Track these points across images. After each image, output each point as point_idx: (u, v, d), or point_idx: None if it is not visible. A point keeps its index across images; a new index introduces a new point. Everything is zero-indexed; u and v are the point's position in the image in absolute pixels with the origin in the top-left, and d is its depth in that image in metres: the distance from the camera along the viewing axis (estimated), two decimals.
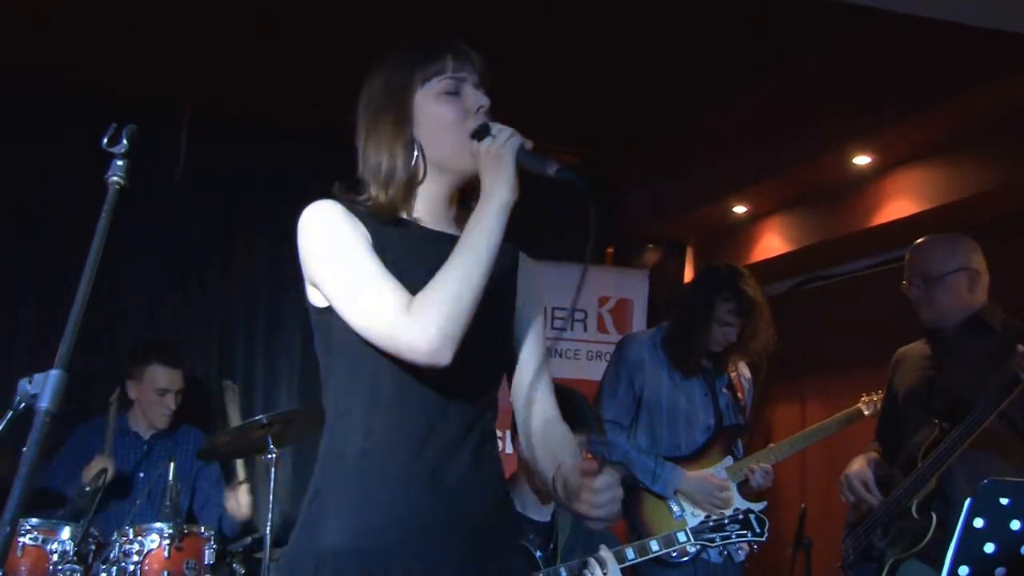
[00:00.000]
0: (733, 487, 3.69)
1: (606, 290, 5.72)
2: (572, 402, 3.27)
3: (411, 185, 1.78)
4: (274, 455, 3.68)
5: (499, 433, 1.93)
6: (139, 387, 4.14)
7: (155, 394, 4.11)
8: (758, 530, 3.20)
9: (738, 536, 3.20)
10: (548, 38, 4.35)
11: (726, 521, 3.21)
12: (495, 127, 1.71)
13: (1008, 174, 4.05)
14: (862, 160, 4.47)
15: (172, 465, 3.54)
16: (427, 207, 1.81)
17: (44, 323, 4.70)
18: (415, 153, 1.76)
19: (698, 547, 3.32)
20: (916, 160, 4.39)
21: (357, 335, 1.66)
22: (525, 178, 1.70)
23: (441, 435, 1.71)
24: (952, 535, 2.91)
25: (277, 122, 5.21)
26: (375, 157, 1.77)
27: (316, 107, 5.04)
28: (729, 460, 3.74)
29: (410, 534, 1.66)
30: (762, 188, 4.96)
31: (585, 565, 2.98)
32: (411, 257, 1.72)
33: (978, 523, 1.94)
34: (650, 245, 6.01)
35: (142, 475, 4.01)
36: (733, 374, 3.85)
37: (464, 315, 1.61)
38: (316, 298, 1.76)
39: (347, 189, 1.80)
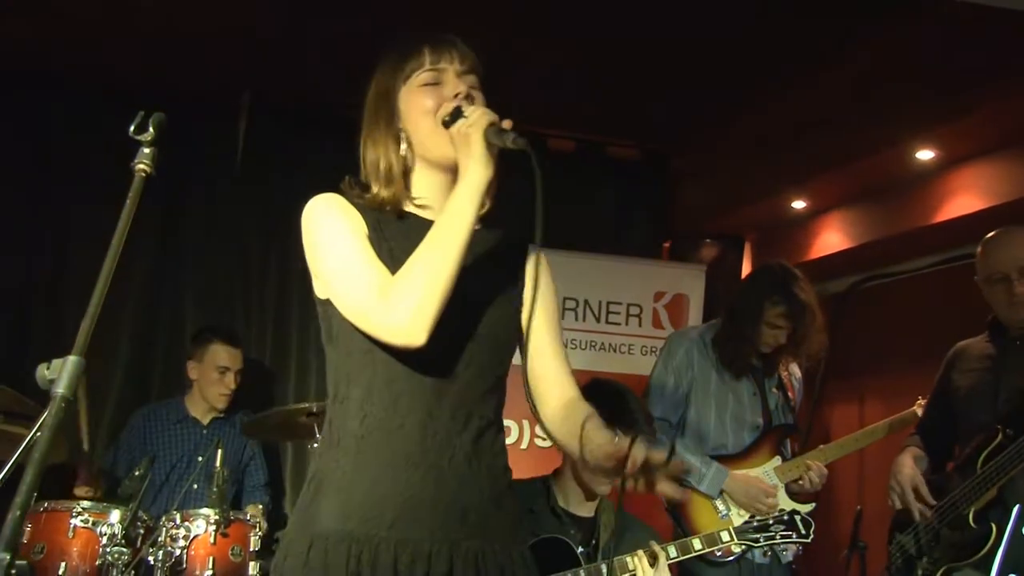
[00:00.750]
0: (781, 488, 3.62)
1: (662, 285, 5.64)
2: (623, 398, 3.25)
3: (406, 176, 1.83)
4: (317, 444, 3.70)
5: (508, 423, 1.91)
6: (200, 367, 4.24)
7: (216, 372, 4.19)
8: (803, 531, 3.15)
9: (782, 537, 3.15)
10: (607, 32, 4.30)
11: (771, 522, 3.16)
12: (468, 109, 1.73)
13: None
14: (925, 155, 4.35)
15: (220, 451, 3.57)
16: (427, 199, 1.84)
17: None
18: (403, 145, 1.81)
19: (743, 547, 3.27)
20: (981, 155, 4.27)
21: (353, 325, 1.70)
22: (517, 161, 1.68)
23: (437, 423, 1.72)
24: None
25: (337, 111, 5.21)
26: (372, 156, 1.82)
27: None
28: (778, 460, 3.67)
29: (400, 517, 1.67)
30: (822, 183, 4.86)
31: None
32: (410, 247, 1.71)
33: None
34: (707, 240, 5.93)
35: (200, 460, 4.06)
36: (784, 373, 3.78)
37: (437, 294, 1.63)
38: (319, 290, 1.80)
39: (355, 184, 1.84)
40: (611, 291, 5.50)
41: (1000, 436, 2.99)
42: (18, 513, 1.24)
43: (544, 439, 4.63)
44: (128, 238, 4.81)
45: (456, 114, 1.73)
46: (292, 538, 1.72)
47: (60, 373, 1.36)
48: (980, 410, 3.14)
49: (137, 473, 3.43)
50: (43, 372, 1.38)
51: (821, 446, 3.84)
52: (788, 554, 3.58)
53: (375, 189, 1.81)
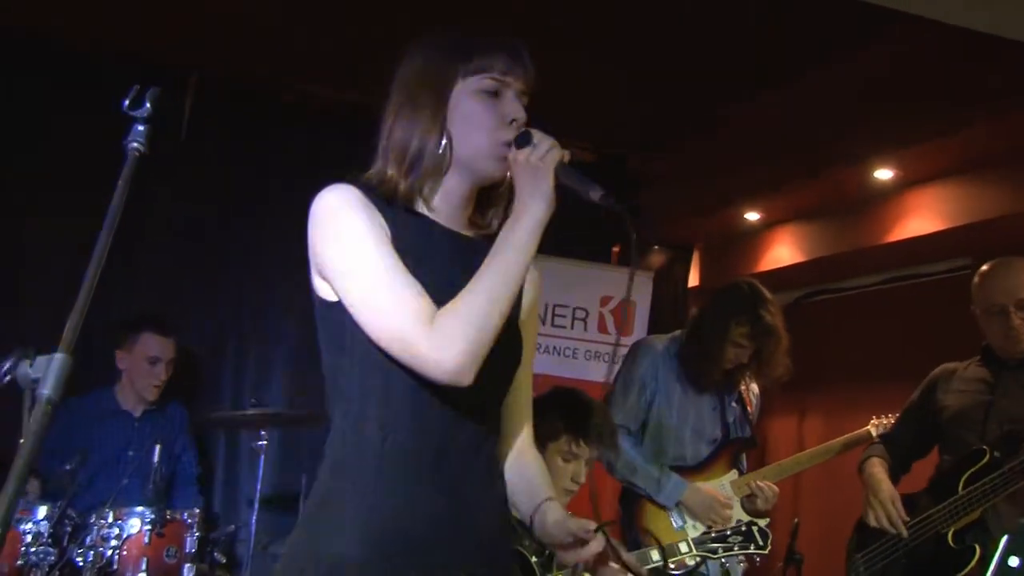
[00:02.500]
0: (736, 502, 3.61)
1: (609, 290, 5.59)
2: (588, 409, 3.18)
3: (436, 175, 1.67)
4: (264, 443, 3.57)
5: None
6: (129, 357, 4.01)
7: (146, 363, 3.97)
8: (760, 543, 3.12)
9: (741, 548, 3.14)
10: (570, 35, 4.23)
11: (728, 533, 3.15)
12: (536, 135, 1.62)
13: None
14: (884, 174, 4.36)
15: (157, 447, 3.38)
16: (444, 203, 1.70)
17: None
18: (444, 143, 1.65)
19: (697, 560, 3.23)
20: (939, 177, 4.29)
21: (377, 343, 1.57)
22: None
23: (458, 447, 1.63)
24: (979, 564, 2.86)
25: (286, 97, 5.05)
26: (404, 137, 1.66)
27: (328, 84, 4.92)
28: (734, 474, 3.66)
29: (424, 545, 1.58)
30: (778, 197, 4.85)
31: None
32: (426, 254, 1.63)
33: (1014, 562, 1.88)
34: (656, 247, 5.89)
35: (131, 454, 3.87)
36: (743, 388, 3.76)
37: (491, 335, 1.53)
38: (324, 291, 1.64)
39: (361, 173, 1.69)
40: (558, 294, 5.44)
41: (987, 458, 3.00)
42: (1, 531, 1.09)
43: None
44: (66, 217, 4.50)
45: (525, 139, 1.62)
46: (302, 564, 1.59)
47: (45, 372, 1.21)
48: (969, 431, 3.13)
49: (68, 468, 3.22)
50: (26, 370, 1.22)
51: (778, 462, 3.84)
52: (740, 568, 3.57)
53: (391, 174, 1.65)
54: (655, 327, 5.63)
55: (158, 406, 4.09)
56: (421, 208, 1.69)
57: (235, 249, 4.91)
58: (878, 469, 3.34)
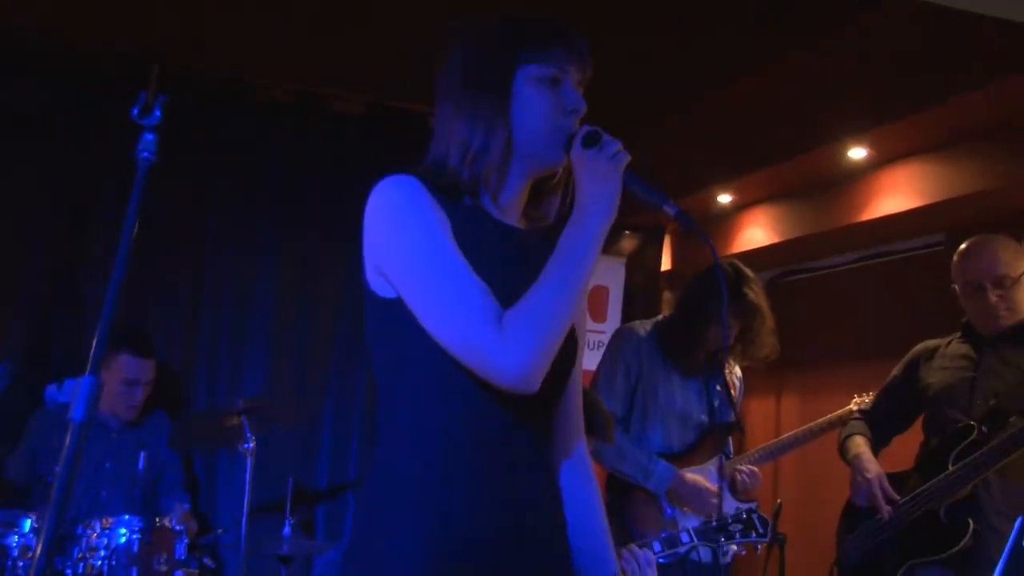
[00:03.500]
0: (724, 487, 3.61)
1: (600, 279, 5.62)
2: (585, 403, 3.18)
3: (503, 166, 1.62)
4: (251, 445, 3.52)
5: None
6: (107, 374, 3.82)
7: (122, 385, 3.82)
8: (761, 530, 3.12)
9: (742, 536, 3.14)
10: (542, 10, 4.19)
11: (729, 522, 3.14)
12: (606, 136, 1.59)
13: (1005, 174, 4.01)
14: (857, 153, 4.38)
15: (143, 455, 3.32)
16: (501, 197, 1.66)
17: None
18: (506, 134, 1.60)
19: (687, 548, 3.23)
20: (912, 155, 4.32)
21: (441, 347, 1.51)
22: None
23: (518, 456, 1.58)
24: (987, 545, 2.89)
25: (253, 92, 4.95)
26: (466, 128, 1.60)
27: (296, 78, 4.83)
28: (720, 459, 3.65)
29: (489, 562, 1.52)
30: (751, 178, 4.86)
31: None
32: (484, 249, 1.56)
33: None
34: (627, 232, 5.89)
35: (108, 465, 3.78)
36: (727, 371, 3.76)
37: (559, 339, 1.50)
38: (382, 288, 1.57)
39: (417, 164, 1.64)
40: None
41: (975, 433, 3.03)
42: (43, 550, 1.06)
43: None
44: (24, 218, 4.40)
45: (595, 137, 1.59)
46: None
47: (75, 396, 1.17)
48: (955, 408, 3.15)
49: (51, 479, 3.15)
50: (54, 392, 1.19)
51: (762, 445, 3.88)
52: (728, 555, 3.57)
53: (453, 165, 1.60)
54: (628, 312, 5.66)
55: (135, 419, 4.00)
56: (481, 201, 1.65)
57: (207, 253, 4.83)
58: (863, 449, 3.37)
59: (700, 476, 3.57)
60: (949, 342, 3.32)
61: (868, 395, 3.90)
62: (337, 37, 4.31)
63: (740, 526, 3.12)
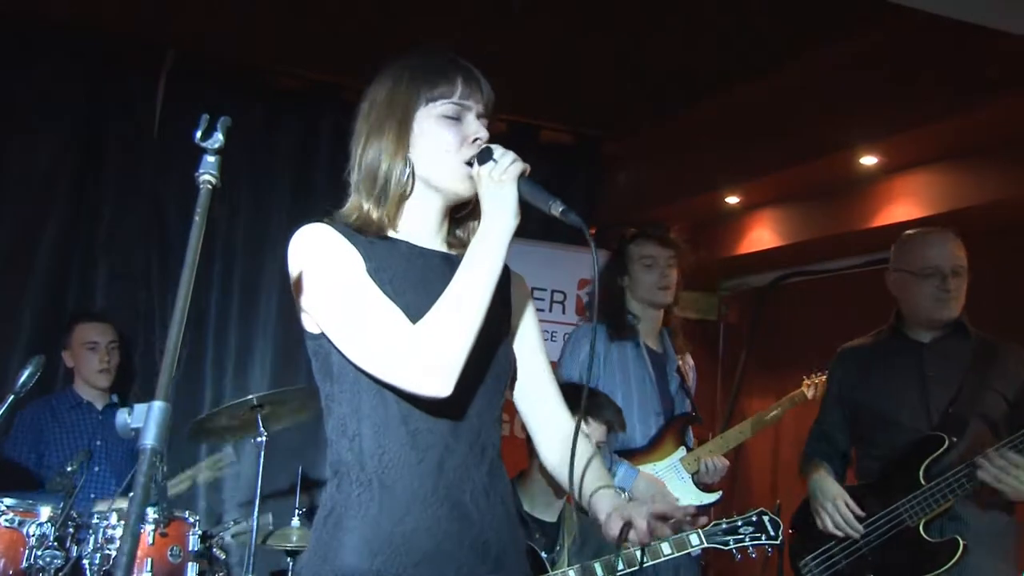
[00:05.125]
0: (689, 480, 3.60)
1: (587, 272, 5.62)
2: (594, 401, 3.20)
3: (400, 201, 1.76)
4: (264, 438, 3.55)
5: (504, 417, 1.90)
6: (71, 352, 4.14)
7: (86, 350, 4.08)
8: (772, 533, 3.01)
9: (752, 539, 3.08)
10: (553, 13, 4.21)
11: (740, 523, 3.11)
12: (497, 151, 1.69)
13: (1016, 186, 4.03)
14: (869, 160, 4.40)
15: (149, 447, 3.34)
16: (417, 225, 1.79)
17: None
18: (407, 170, 1.74)
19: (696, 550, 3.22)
20: (924, 165, 4.34)
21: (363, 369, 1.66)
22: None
23: (455, 456, 1.70)
24: (971, 559, 2.90)
25: (265, 76, 4.95)
26: (371, 165, 1.75)
27: (308, 63, 4.82)
28: (682, 451, 3.64)
29: (427, 555, 1.65)
30: (761, 181, 4.88)
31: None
32: (405, 275, 1.72)
33: None
34: (632, 229, 5.89)
35: (99, 443, 3.97)
36: (679, 361, 3.76)
37: (467, 347, 1.61)
38: (310, 324, 1.73)
39: (333, 208, 1.79)
40: (536, 277, 5.43)
41: (946, 444, 2.95)
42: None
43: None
44: (38, 205, 4.44)
45: (486, 155, 1.70)
46: None
47: (146, 422, 1.20)
48: (912, 417, 3.08)
49: (69, 469, 3.17)
50: (125, 418, 1.21)
51: (720, 435, 3.81)
52: (696, 548, 3.55)
53: (364, 205, 1.74)
54: None
55: (120, 399, 4.21)
56: (397, 233, 1.78)
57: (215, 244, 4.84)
58: (821, 472, 3.24)
59: (654, 473, 3.53)
60: (877, 343, 3.28)
61: (819, 376, 3.88)
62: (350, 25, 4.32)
63: (751, 528, 3.07)
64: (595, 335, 3.58)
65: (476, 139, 1.73)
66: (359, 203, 1.74)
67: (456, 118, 1.74)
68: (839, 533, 3.11)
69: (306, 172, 4.92)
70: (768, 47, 4.36)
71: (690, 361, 3.83)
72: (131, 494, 1.10)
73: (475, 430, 1.73)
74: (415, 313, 1.63)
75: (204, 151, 1.40)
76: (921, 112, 3.98)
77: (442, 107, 1.73)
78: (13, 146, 4.47)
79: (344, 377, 1.69)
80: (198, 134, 1.39)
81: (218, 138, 1.39)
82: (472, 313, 1.61)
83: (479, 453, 1.73)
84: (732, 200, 5.26)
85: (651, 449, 3.61)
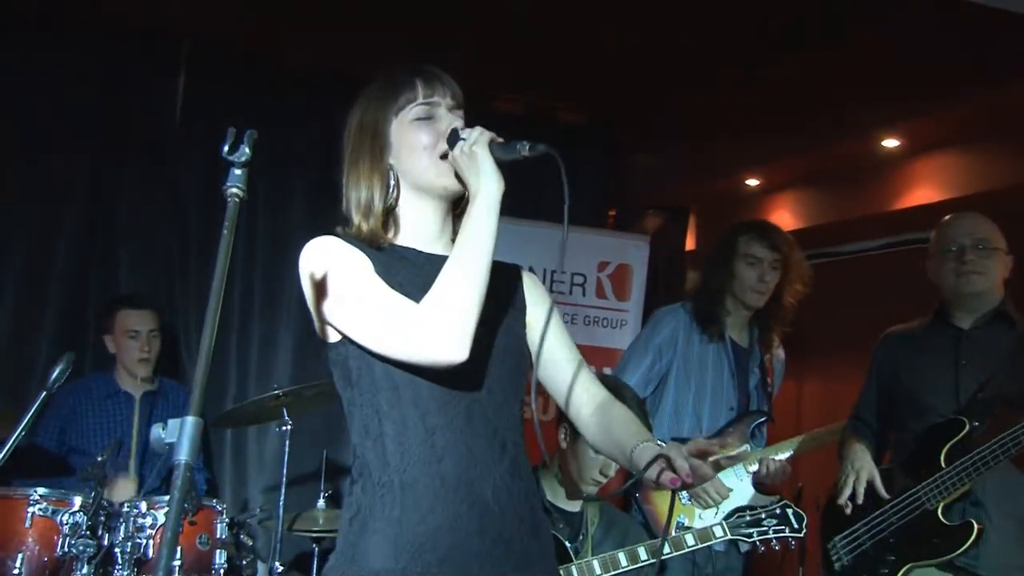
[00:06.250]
0: (749, 479, 3.58)
1: (606, 255, 5.61)
2: (617, 392, 3.20)
3: (389, 212, 1.82)
4: (288, 427, 3.59)
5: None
6: (114, 338, 4.09)
7: (127, 338, 4.04)
8: (796, 525, 3.06)
9: (775, 531, 3.07)
10: None
11: (763, 516, 3.11)
12: (464, 131, 1.74)
13: None
14: (890, 143, 4.40)
15: (157, 428, 3.36)
16: (420, 231, 1.84)
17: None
18: (391, 182, 1.81)
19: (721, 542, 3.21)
20: (945, 147, 4.33)
21: (373, 363, 1.71)
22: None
23: (475, 453, 1.73)
24: (989, 543, 2.92)
25: (287, 65, 4.92)
26: (355, 190, 1.81)
27: (329, 50, 4.80)
28: (747, 448, 3.59)
29: (451, 552, 1.68)
30: (781, 163, 4.87)
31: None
32: (413, 280, 1.75)
33: None
34: (651, 210, 5.90)
35: (135, 434, 3.91)
36: (767, 356, 3.74)
37: (475, 308, 1.64)
38: (327, 333, 1.78)
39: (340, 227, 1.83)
40: (555, 260, 5.43)
41: (967, 428, 2.99)
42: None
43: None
44: (56, 197, 4.44)
45: (454, 137, 1.75)
46: None
47: (179, 437, 1.23)
48: (943, 402, 3.10)
49: (100, 458, 3.21)
50: (159, 433, 1.25)
51: (792, 438, 3.78)
52: (746, 544, 3.58)
53: (356, 222, 1.80)
54: (652, 291, 5.68)
55: (159, 388, 4.14)
56: (402, 242, 1.84)
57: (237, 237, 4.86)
58: (856, 446, 3.28)
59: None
60: (918, 328, 3.30)
61: None
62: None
63: (774, 521, 3.06)
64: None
65: (451, 131, 1.77)
66: (355, 223, 1.81)
67: (428, 117, 1.79)
68: (847, 499, 3.16)
69: (327, 165, 4.92)
70: (789, 30, 4.32)
71: (780, 355, 3.80)
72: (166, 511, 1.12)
73: (494, 425, 1.76)
74: None
75: (232, 164, 1.42)
76: (943, 95, 3.97)
77: (411, 111, 1.79)
78: (30, 145, 4.48)
79: (362, 381, 1.74)
80: (225, 147, 1.41)
81: (245, 151, 1.41)
82: (475, 274, 1.65)
83: (499, 449, 1.76)
84: (752, 183, 5.25)
85: (714, 440, 3.55)
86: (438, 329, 1.61)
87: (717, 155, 5.15)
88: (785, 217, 5.24)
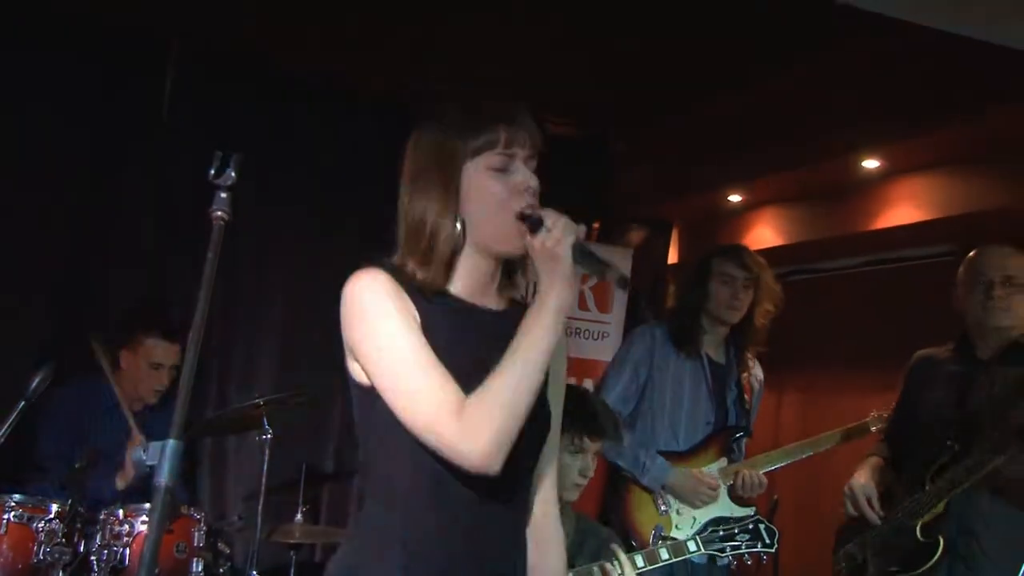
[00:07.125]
0: (724, 490, 3.65)
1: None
2: (584, 401, 3.23)
3: (452, 262, 1.71)
4: (268, 436, 3.59)
5: None
6: (133, 358, 3.89)
7: (149, 368, 3.86)
8: (767, 540, 3.10)
9: (748, 546, 3.10)
10: (554, 11, 4.22)
11: (736, 531, 3.14)
12: (548, 218, 1.63)
13: (1019, 193, 4.06)
14: (871, 164, 4.44)
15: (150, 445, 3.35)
16: (470, 281, 1.74)
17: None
18: (457, 229, 1.69)
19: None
20: (925, 169, 4.38)
21: (401, 426, 1.62)
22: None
23: (487, 531, 1.69)
24: (976, 560, 2.98)
25: (280, 65, 4.89)
26: (417, 222, 1.70)
27: (323, 48, 4.75)
28: (724, 461, 3.69)
29: None
30: (763, 181, 4.92)
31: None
32: (456, 336, 1.67)
33: None
34: (635, 224, 5.93)
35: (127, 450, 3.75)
36: (744, 375, 3.80)
37: (517, 424, 1.58)
38: (359, 374, 1.69)
39: (384, 254, 1.74)
40: None
41: (952, 452, 3.08)
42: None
43: None
44: (47, 199, 4.37)
45: (537, 224, 1.64)
46: None
47: (160, 460, 1.24)
48: (941, 425, 3.19)
49: (77, 466, 3.21)
50: (140, 455, 1.26)
51: (768, 452, 3.87)
52: (727, 557, 3.61)
53: (410, 266, 1.69)
54: (633, 304, 5.71)
55: (156, 405, 4.01)
56: (448, 287, 1.73)
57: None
58: (862, 467, 3.41)
59: (698, 472, 3.61)
60: (944, 353, 3.37)
61: (886, 412, 3.90)
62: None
63: (747, 536, 3.10)
64: None
65: (527, 188, 1.68)
66: (404, 260, 1.70)
67: (503, 169, 1.68)
68: (868, 515, 3.27)
69: (314, 171, 4.91)
70: (775, 49, 4.37)
71: (758, 374, 3.88)
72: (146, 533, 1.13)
73: (507, 497, 1.71)
74: (464, 374, 1.60)
75: (217, 188, 1.42)
76: (923, 119, 4.02)
77: (487, 159, 1.68)
78: (19, 142, 4.44)
79: (385, 436, 1.67)
80: (211, 171, 1.42)
81: (230, 175, 1.42)
82: (528, 389, 1.58)
83: (512, 530, 1.76)
84: (735, 199, 5.29)
85: (690, 455, 3.67)
86: (477, 442, 1.55)
87: (701, 171, 5.18)
88: (767, 234, 5.28)
